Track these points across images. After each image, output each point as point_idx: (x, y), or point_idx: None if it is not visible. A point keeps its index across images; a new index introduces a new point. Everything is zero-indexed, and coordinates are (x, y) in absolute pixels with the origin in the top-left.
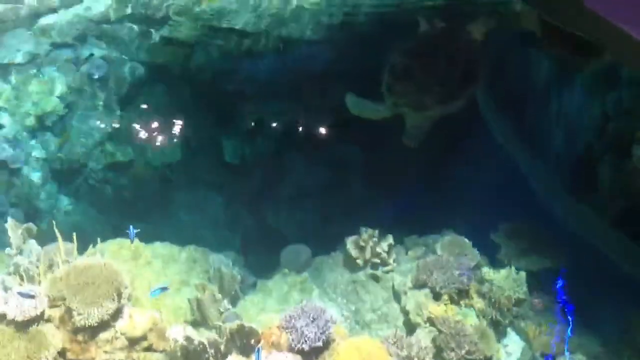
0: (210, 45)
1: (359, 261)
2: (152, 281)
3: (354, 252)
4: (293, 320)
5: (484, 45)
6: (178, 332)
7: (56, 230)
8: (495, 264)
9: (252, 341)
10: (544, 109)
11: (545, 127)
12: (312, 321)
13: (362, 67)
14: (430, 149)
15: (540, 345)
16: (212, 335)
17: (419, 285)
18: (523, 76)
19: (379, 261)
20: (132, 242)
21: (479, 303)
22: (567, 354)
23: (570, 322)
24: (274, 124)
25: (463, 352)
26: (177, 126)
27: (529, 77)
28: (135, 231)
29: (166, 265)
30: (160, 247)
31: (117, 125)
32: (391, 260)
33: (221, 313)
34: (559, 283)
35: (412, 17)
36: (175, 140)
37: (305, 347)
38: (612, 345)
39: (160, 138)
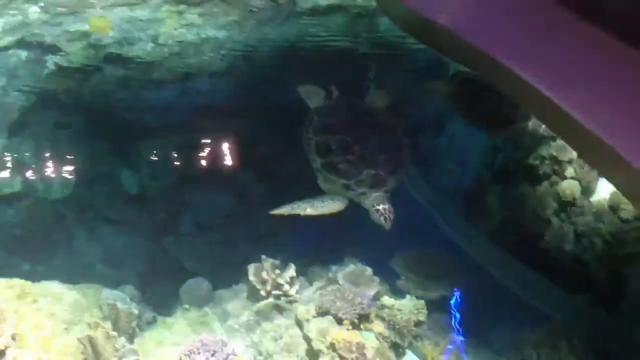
0: (107, 73)
1: (262, 292)
2: (39, 321)
3: (256, 283)
4: (192, 355)
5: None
6: None
7: None
8: (396, 291)
9: None
10: (438, 141)
11: (440, 156)
12: (212, 355)
13: (266, 100)
14: None
15: None
16: None
17: (321, 313)
18: (418, 107)
19: (281, 293)
20: None
21: (379, 327)
22: None
23: (464, 342)
24: (175, 155)
25: None
26: (72, 157)
27: (424, 109)
28: None
29: (55, 303)
30: (49, 285)
31: (4, 156)
32: (294, 291)
33: (117, 350)
34: (455, 306)
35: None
36: (69, 172)
37: None
38: None
39: (52, 170)
